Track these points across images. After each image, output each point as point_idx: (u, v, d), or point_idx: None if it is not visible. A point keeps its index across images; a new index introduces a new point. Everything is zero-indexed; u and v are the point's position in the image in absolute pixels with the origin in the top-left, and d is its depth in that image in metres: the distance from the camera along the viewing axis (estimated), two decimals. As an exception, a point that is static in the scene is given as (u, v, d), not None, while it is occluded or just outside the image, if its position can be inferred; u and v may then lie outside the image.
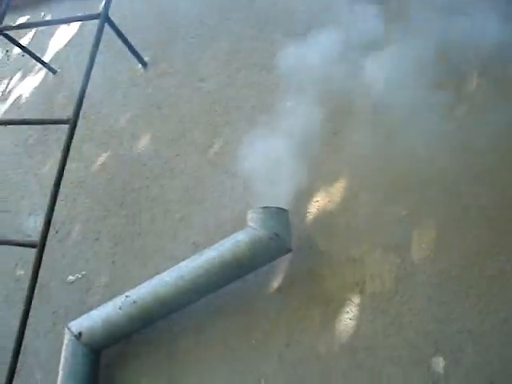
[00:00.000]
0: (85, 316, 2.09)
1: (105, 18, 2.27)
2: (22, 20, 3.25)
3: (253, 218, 1.94)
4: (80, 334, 2.02)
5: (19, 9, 3.35)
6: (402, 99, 2.13)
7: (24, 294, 2.40)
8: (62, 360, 2.03)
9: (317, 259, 2.05)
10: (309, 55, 2.35)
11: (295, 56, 2.39)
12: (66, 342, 2.05)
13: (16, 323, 2.35)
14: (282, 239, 1.90)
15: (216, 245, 1.97)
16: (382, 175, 2.12)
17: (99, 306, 2.23)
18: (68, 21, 2.39)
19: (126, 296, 2.01)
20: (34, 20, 3.27)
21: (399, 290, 1.92)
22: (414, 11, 2.34)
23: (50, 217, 2.01)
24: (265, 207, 1.94)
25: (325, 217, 2.12)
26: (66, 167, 2.59)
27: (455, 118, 2.13)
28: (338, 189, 2.15)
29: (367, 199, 2.10)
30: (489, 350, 1.75)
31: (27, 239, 2.38)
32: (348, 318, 1.93)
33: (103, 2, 2.39)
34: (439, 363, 1.79)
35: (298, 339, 1.96)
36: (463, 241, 1.92)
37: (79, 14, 2.52)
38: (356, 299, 1.95)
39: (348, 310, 1.95)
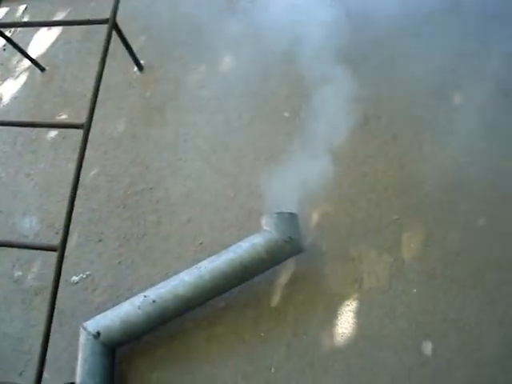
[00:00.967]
0: (100, 316, 2.16)
1: (113, 24, 2.31)
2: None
3: (268, 223, 2.12)
4: (98, 333, 2.10)
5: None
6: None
7: (23, 295, 2.45)
8: (80, 359, 2.09)
9: (319, 258, 2.27)
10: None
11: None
12: (83, 341, 2.12)
13: (16, 324, 2.38)
14: (295, 241, 2.10)
15: (233, 247, 2.13)
16: (376, 183, 2.38)
17: (107, 305, 2.34)
18: (74, 23, 2.36)
19: (145, 296, 2.11)
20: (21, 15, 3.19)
21: (392, 286, 2.19)
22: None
23: (68, 221, 2.04)
24: (279, 212, 2.13)
25: (325, 220, 2.35)
26: (64, 168, 2.62)
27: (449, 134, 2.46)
28: (335, 195, 2.40)
29: (362, 204, 2.36)
30: (469, 334, 2.07)
31: (47, 243, 2.37)
32: (348, 310, 2.18)
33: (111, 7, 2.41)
34: (428, 348, 2.08)
35: (304, 330, 2.17)
36: (447, 241, 2.22)
37: (87, 18, 2.50)
38: (355, 294, 2.20)
39: (348, 303, 2.19)
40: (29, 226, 2.57)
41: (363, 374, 2.07)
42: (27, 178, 2.69)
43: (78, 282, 2.40)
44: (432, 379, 2.02)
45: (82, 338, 2.14)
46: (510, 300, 2.10)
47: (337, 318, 2.17)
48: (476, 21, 2.71)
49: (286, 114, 2.59)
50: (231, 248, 2.13)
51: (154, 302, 2.07)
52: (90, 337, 2.10)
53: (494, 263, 2.16)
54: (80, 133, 2.59)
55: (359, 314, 2.16)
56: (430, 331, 2.10)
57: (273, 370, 2.14)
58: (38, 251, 2.40)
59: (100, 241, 2.47)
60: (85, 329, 2.14)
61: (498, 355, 2.02)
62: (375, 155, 2.45)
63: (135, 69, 2.81)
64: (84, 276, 2.41)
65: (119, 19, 2.44)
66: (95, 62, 2.87)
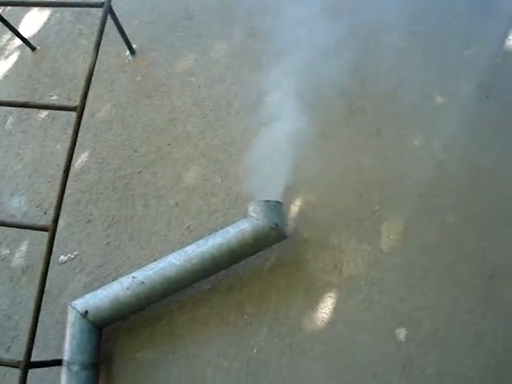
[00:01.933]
0: (89, 295, 2.22)
1: (108, 8, 2.32)
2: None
3: (255, 210, 2.19)
4: (86, 312, 2.15)
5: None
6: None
7: (10, 273, 2.49)
8: (68, 337, 2.15)
9: (301, 245, 2.36)
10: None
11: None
12: (71, 319, 2.17)
13: (3, 301, 2.42)
14: (280, 229, 2.18)
15: (221, 232, 2.20)
16: (359, 174, 2.47)
17: (94, 285, 2.40)
18: (68, 5, 2.34)
19: (133, 277, 2.17)
20: None
21: (370, 274, 2.29)
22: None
23: (60, 202, 2.08)
24: (266, 200, 2.20)
25: (308, 209, 2.43)
26: (52, 149, 2.65)
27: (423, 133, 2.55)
28: (320, 185, 2.48)
29: (345, 195, 2.45)
30: (440, 322, 2.20)
31: (37, 223, 2.41)
32: (328, 295, 2.28)
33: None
34: (402, 333, 2.20)
35: (285, 313, 2.27)
36: (425, 234, 2.33)
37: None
38: (334, 280, 2.30)
39: (327, 289, 2.29)
40: (17, 206, 2.59)
41: (340, 356, 2.18)
42: (16, 157, 2.70)
43: (65, 262, 2.45)
44: (404, 362, 2.14)
45: (71, 316, 2.19)
46: (481, 290, 2.23)
47: (317, 302, 2.27)
48: (462, 19, 2.81)
49: (276, 100, 2.63)
50: (219, 233, 2.20)
51: (142, 283, 2.14)
52: (79, 315, 2.16)
53: (468, 256, 2.29)
54: (69, 114, 2.63)
55: (338, 299, 2.27)
56: (405, 318, 2.22)
57: (254, 350, 2.24)
58: (26, 230, 2.45)
59: (88, 222, 2.51)
60: (73, 307, 2.19)
61: (467, 341, 2.16)
62: (359, 148, 2.53)
63: (127, 53, 2.82)
64: (72, 256, 2.46)
65: (112, 2, 2.45)
66: (86, 43, 2.93)
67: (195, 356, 2.24)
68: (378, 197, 2.41)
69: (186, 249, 2.19)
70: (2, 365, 2.05)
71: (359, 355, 2.17)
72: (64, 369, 2.15)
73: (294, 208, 2.43)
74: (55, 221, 2.12)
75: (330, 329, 2.22)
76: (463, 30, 2.76)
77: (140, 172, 2.58)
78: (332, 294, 2.27)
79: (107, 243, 2.46)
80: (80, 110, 2.19)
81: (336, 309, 2.25)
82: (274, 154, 2.46)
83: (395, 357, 2.15)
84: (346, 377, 2.14)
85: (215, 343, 2.26)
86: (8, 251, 2.52)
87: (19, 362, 2.01)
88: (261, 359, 2.21)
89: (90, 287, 2.38)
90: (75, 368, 2.14)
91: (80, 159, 2.62)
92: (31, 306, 2.37)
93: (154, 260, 2.35)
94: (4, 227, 2.50)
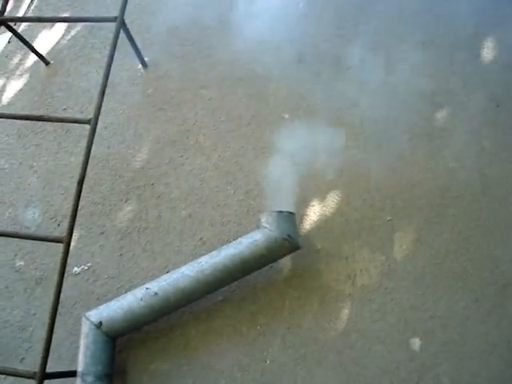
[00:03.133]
0: (102, 306, 2.23)
1: (120, 23, 2.37)
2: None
3: (268, 220, 2.20)
4: (101, 323, 2.17)
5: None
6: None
7: (24, 284, 2.51)
8: (82, 348, 2.16)
9: (314, 256, 2.37)
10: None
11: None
12: (85, 330, 2.18)
13: (17, 313, 2.44)
14: (293, 239, 2.19)
15: (234, 243, 2.21)
16: (370, 185, 2.49)
17: (107, 296, 2.41)
18: (82, 20, 2.40)
19: (147, 288, 2.18)
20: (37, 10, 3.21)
21: (384, 283, 2.30)
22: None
23: (74, 214, 2.10)
24: (279, 211, 2.21)
25: (321, 219, 2.45)
26: (65, 162, 2.68)
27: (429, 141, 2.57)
28: (331, 195, 2.50)
29: (357, 205, 2.47)
30: (454, 331, 2.19)
31: (52, 235, 2.44)
32: (341, 305, 2.28)
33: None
34: (416, 343, 2.19)
35: (299, 324, 2.27)
36: (436, 243, 2.34)
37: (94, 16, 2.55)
38: (348, 290, 2.30)
39: (341, 299, 2.29)
40: (31, 218, 2.62)
41: (354, 366, 2.18)
42: (30, 170, 2.74)
43: (79, 273, 2.46)
44: (419, 372, 2.14)
45: (85, 327, 2.20)
46: (493, 299, 2.23)
47: (330, 312, 2.27)
48: (470, 28, 2.84)
49: (286, 116, 2.68)
50: (232, 244, 2.21)
51: (155, 294, 2.15)
52: (93, 326, 2.17)
53: (479, 264, 2.29)
54: (83, 127, 2.67)
55: (352, 309, 2.27)
56: (418, 327, 2.21)
57: (268, 361, 2.24)
58: (40, 242, 2.46)
59: (102, 233, 2.54)
60: (87, 318, 2.20)
61: (481, 351, 2.15)
62: (370, 158, 2.55)
63: (139, 66, 2.87)
64: (85, 267, 2.48)
65: (124, 16, 2.50)
66: (99, 56, 2.98)
67: (209, 367, 2.24)
68: (390, 206, 2.42)
69: (199, 260, 2.20)
70: (18, 376, 2.06)
71: (374, 365, 2.16)
72: (78, 380, 2.15)
73: (307, 218, 2.44)
74: (70, 233, 2.13)
75: (344, 339, 2.22)
76: (472, 39, 2.80)
77: (153, 184, 2.61)
78: (346, 304, 2.27)
79: (120, 255, 2.48)
80: (94, 123, 2.22)
81: (350, 319, 2.25)
82: (285, 165, 2.49)
83: (410, 367, 2.14)
84: (361, 387, 2.16)
85: (229, 354, 2.26)
86: (22, 263, 2.54)
87: (35, 373, 2.02)
88: (274, 370, 2.20)
89: (103, 298, 2.39)
90: (89, 379, 2.14)
91: (93, 171, 2.65)
92: (45, 317, 2.41)
93: (168, 271, 2.36)
94: (18, 239, 2.53)
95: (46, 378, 2.04)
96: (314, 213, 2.46)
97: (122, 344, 2.31)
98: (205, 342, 2.29)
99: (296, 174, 2.46)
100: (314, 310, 2.28)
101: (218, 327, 2.30)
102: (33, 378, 2.02)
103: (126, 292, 2.31)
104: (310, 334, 2.25)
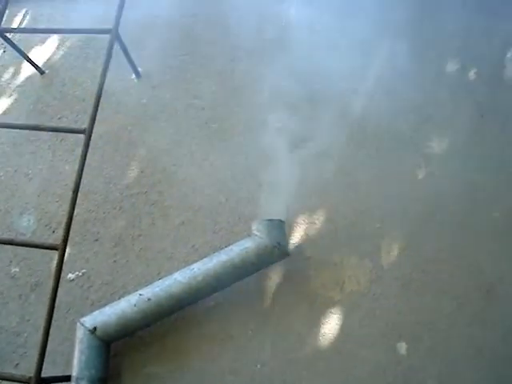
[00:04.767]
0: (97, 312, 2.27)
1: (115, 35, 2.42)
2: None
3: (259, 228, 2.26)
4: (95, 328, 2.21)
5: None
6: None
7: (19, 291, 2.55)
8: (77, 353, 2.20)
9: (304, 263, 2.43)
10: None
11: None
12: (80, 336, 2.22)
13: (12, 319, 2.47)
14: (283, 247, 2.25)
15: (225, 250, 2.27)
16: (360, 193, 2.55)
17: (102, 302, 2.45)
18: (78, 32, 2.44)
19: (140, 294, 2.23)
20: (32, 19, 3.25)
21: (372, 289, 2.36)
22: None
23: (69, 221, 2.14)
24: (269, 219, 2.27)
25: (310, 227, 2.51)
26: (60, 170, 2.73)
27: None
28: (321, 203, 2.56)
29: (346, 213, 2.52)
30: (439, 336, 2.25)
31: (48, 242, 2.46)
32: (330, 311, 2.34)
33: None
34: (403, 347, 2.26)
35: (288, 329, 2.32)
36: (423, 250, 2.41)
37: (88, 27, 2.60)
38: (337, 296, 2.36)
39: (330, 305, 2.35)
40: (26, 225, 2.66)
41: (342, 371, 2.23)
42: (25, 177, 2.78)
43: (73, 280, 2.51)
44: (406, 377, 2.20)
45: (80, 332, 2.24)
46: (478, 304, 2.30)
47: (319, 318, 2.33)
48: (457, 40, 2.92)
49: (278, 125, 2.74)
50: (223, 251, 2.27)
51: (149, 299, 2.19)
52: (87, 332, 2.21)
53: (464, 270, 2.36)
54: (77, 136, 2.71)
55: (340, 314, 2.33)
56: (405, 332, 2.28)
57: (258, 366, 2.29)
58: (34, 249, 2.50)
59: (96, 240, 2.58)
60: (82, 324, 2.24)
61: (466, 355, 2.22)
62: (360, 167, 2.62)
63: (133, 76, 2.92)
64: (80, 274, 2.52)
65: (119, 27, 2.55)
66: (94, 66, 3.04)
67: (201, 371, 2.29)
68: (379, 214, 2.49)
69: (192, 266, 2.26)
70: (14, 381, 2.10)
71: (361, 370, 2.22)
72: (73, 384, 2.21)
73: (296, 226, 2.50)
74: (65, 240, 2.18)
75: (333, 344, 2.28)
76: (458, 50, 2.88)
77: (146, 192, 2.65)
78: (334, 310, 2.33)
79: (114, 261, 2.52)
80: (88, 133, 2.27)
81: (338, 324, 2.31)
82: (276, 174, 2.54)
83: (397, 370, 2.20)
84: (349, 391, 2.21)
85: (220, 358, 2.31)
86: (17, 269, 2.58)
87: (30, 377, 2.06)
88: (265, 374, 2.26)
89: (97, 304, 2.43)
90: (84, 383, 2.20)
91: (87, 179, 2.67)
92: (40, 323, 2.44)
93: (160, 278, 2.40)
94: (13, 246, 2.56)
95: (42, 383, 2.08)
96: (303, 220, 2.51)
97: (117, 349, 2.35)
98: (197, 346, 2.34)
99: (287, 183, 2.52)
100: (303, 316, 2.34)
101: (209, 332, 2.35)
102: (28, 383, 2.07)
103: (119, 298, 2.35)
104: (300, 339, 2.31)
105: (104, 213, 2.64)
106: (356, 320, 2.31)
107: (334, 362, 2.26)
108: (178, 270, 2.30)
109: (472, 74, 2.79)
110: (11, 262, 2.61)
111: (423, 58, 2.87)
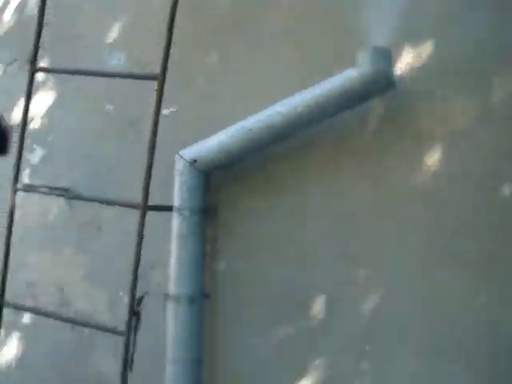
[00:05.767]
0: (195, 144, 2.31)
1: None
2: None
3: (363, 57, 2.09)
4: (194, 160, 2.26)
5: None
6: None
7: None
8: (178, 184, 2.30)
9: (409, 97, 2.21)
10: None
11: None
12: (179, 168, 2.30)
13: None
14: (389, 75, 2.11)
15: (328, 79, 2.14)
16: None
17: (199, 136, 2.38)
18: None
19: (239, 125, 2.22)
20: None
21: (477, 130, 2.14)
22: None
23: (167, 50, 2.11)
24: (374, 47, 2.10)
25: (418, 60, 2.22)
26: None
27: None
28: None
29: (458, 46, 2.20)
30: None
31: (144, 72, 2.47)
32: (432, 149, 2.20)
33: None
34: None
35: (389, 166, 2.23)
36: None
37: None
38: (440, 133, 2.19)
39: (433, 142, 2.20)
40: (117, 63, 2.63)
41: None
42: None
43: (168, 116, 2.46)
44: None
45: (179, 165, 2.30)
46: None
47: (420, 154, 2.20)
48: None
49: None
50: (326, 80, 2.14)
51: (250, 130, 2.19)
52: (187, 164, 2.27)
53: None
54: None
55: (444, 150, 2.20)
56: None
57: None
58: (129, 83, 2.46)
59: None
60: (181, 156, 2.29)
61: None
62: None
63: None
64: (174, 110, 2.50)
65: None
66: None
67: (300, 206, 2.31)
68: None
69: (293, 97, 2.18)
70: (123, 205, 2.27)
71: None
72: (175, 214, 2.32)
73: (403, 57, 2.24)
74: (163, 70, 2.15)
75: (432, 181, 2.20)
76: None
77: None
78: (437, 148, 2.20)
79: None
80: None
81: (443, 159, 2.18)
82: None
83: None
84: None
85: (315, 193, 2.29)
86: (112, 106, 2.64)
87: (138, 203, 2.18)
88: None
89: (195, 138, 2.38)
90: (186, 213, 2.30)
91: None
92: (137, 159, 2.52)
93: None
94: (106, 78, 2.54)
95: (149, 210, 2.20)
96: (410, 50, 2.24)
97: (216, 181, 2.39)
98: (290, 180, 2.33)
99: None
100: (403, 152, 2.23)
101: (301, 168, 2.32)
102: (137, 209, 2.19)
103: (219, 131, 2.32)
104: (400, 180, 2.23)
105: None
106: (457, 156, 2.16)
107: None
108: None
109: None
110: (104, 99, 2.65)
111: None
